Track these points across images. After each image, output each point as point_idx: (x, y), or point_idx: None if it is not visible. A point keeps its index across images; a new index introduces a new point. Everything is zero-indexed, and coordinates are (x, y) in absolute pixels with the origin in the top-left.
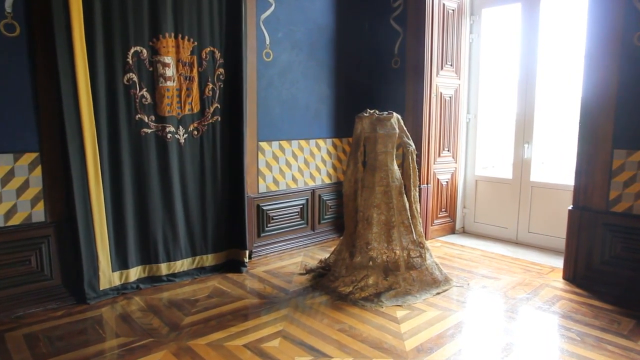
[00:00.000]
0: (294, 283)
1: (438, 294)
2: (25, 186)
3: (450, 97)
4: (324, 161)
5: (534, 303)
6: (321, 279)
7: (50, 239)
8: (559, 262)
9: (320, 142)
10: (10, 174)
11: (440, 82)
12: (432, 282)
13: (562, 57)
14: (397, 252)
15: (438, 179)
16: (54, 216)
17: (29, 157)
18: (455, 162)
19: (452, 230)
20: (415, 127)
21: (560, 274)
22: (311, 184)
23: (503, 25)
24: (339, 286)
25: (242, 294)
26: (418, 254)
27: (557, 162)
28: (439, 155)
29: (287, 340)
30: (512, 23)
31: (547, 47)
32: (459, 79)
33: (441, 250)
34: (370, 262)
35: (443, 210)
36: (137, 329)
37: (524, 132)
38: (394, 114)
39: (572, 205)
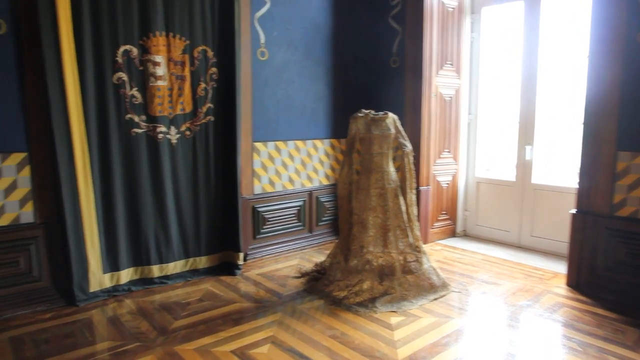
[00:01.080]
0: (288, 287)
1: (435, 299)
2: (13, 187)
3: (450, 97)
4: (321, 162)
5: (535, 310)
6: (316, 283)
7: (40, 240)
8: (562, 268)
9: (318, 142)
10: None
11: (440, 82)
12: (429, 287)
13: (565, 57)
14: (393, 256)
15: (438, 181)
16: (43, 217)
17: (17, 157)
18: (456, 164)
19: (453, 234)
20: (414, 127)
21: (563, 279)
22: (308, 185)
23: (504, 23)
24: (334, 290)
25: (235, 297)
26: (415, 258)
27: (560, 164)
28: (439, 157)
29: (277, 347)
30: (513, 21)
31: (549, 46)
32: (460, 78)
33: (441, 253)
34: (366, 266)
35: (443, 212)
36: (125, 333)
37: (525, 133)
38: (390, 114)
39: (575, 209)
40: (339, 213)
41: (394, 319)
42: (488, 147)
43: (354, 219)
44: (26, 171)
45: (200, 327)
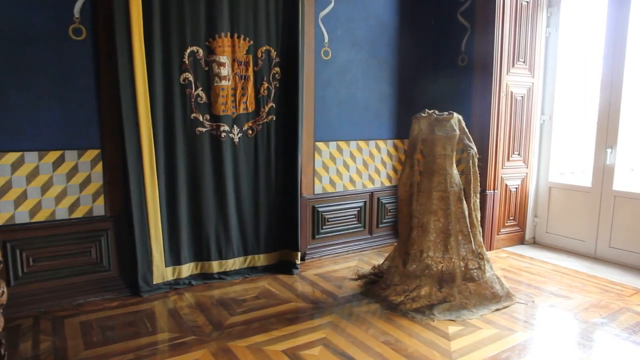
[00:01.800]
0: (344, 288)
1: (497, 310)
2: (87, 181)
3: (522, 97)
4: (383, 163)
5: (611, 329)
6: (372, 286)
7: (109, 232)
8: None
9: (380, 143)
10: (75, 170)
11: (511, 81)
12: (492, 296)
13: None
14: (454, 262)
15: (506, 185)
16: (113, 211)
17: (92, 153)
18: (527, 167)
19: (521, 241)
20: (482, 128)
21: None
22: (370, 186)
23: (585, 17)
24: (390, 295)
25: (290, 296)
26: (477, 266)
27: None
28: (508, 160)
29: (328, 349)
30: (596, 15)
31: (639, 41)
32: (533, 77)
33: (506, 261)
34: (425, 272)
35: (511, 218)
36: (182, 326)
37: (606, 135)
38: (455, 114)
39: None
40: (399, 216)
41: (452, 328)
42: (563, 150)
43: (414, 223)
44: (99, 167)
45: (255, 324)
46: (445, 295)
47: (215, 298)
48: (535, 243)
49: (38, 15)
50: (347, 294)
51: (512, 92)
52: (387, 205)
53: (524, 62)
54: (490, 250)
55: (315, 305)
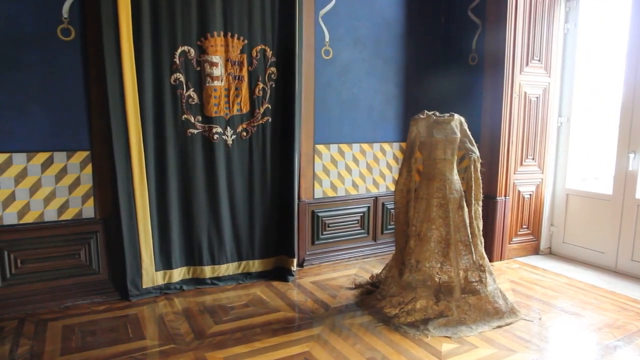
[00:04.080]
0: (338, 298)
1: (499, 327)
2: (76, 183)
3: (536, 98)
4: (389, 167)
5: (626, 353)
6: (368, 297)
7: (99, 235)
8: None
9: (386, 146)
10: (64, 171)
11: (525, 80)
12: (494, 312)
13: None
14: (453, 274)
15: (519, 191)
16: (102, 213)
17: (81, 155)
18: (542, 173)
19: (536, 251)
20: (493, 131)
21: None
22: (374, 190)
23: (607, 12)
24: (385, 307)
25: (280, 305)
26: (478, 278)
27: None
28: (521, 164)
29: None
30: (619, 9)
31: None
32: (549, 76)
33: (517, 273)
34: (422, 284)
35: (524, 226)
36: (164, 333)
37: (629, 139)
38: (456, 116)
39: None
40: (395, 223)
41: (446, 346)
42: (583, 154)
43: (411, 231)
44: (89, 169)
45: (237, 334)
46: (443, 309)
47: (204, 304)
48: (551, 253)
49: (26, 16)
50: (340, 304)
51: (525, 93)
52: (392, 210)
53: (539, 60)
54: (501, 260)
55: (304, 316)
